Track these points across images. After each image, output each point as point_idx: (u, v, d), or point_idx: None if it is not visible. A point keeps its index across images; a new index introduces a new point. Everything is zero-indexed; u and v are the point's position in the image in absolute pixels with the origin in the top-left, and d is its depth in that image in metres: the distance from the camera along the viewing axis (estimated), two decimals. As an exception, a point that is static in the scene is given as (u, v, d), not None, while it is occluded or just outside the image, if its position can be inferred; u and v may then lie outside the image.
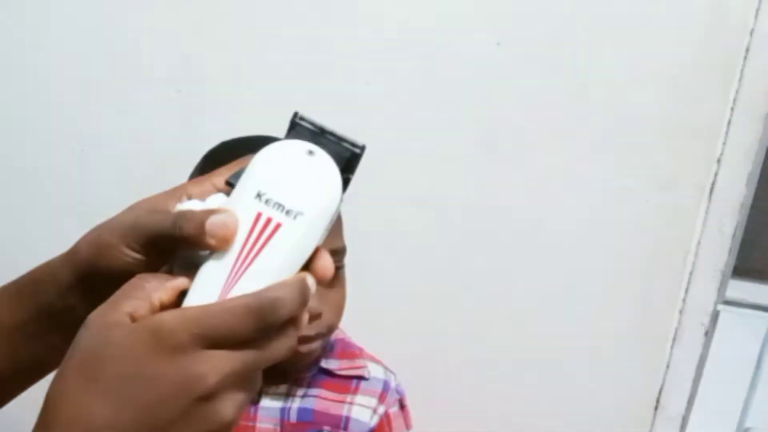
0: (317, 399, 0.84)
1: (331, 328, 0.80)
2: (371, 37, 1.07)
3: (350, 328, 0.89)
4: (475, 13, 1.03)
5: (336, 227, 0.69)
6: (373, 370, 0.88)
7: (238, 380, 0.37)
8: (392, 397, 0.88)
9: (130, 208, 0.48)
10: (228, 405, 0.36)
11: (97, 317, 0.38)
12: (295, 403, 0.84)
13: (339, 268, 0.78)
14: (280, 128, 1.17)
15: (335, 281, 0.77)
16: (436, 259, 1.14)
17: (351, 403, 0.85)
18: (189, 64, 1.15)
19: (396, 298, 1.13)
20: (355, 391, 0.86)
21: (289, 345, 0.38)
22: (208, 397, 0.36)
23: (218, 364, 0.36)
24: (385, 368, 0.90)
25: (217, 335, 0.36)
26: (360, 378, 0.86)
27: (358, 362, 0.88)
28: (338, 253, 0.76)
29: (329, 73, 1.11)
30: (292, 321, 0.38)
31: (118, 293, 0.38)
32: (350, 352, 0.89)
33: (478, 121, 1.07)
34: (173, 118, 1.18)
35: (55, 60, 1.21)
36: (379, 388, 0.87)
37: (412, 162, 1.11)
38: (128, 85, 1.19)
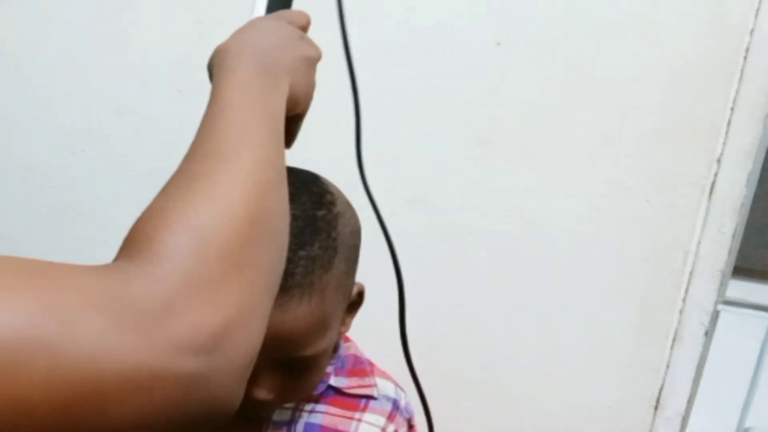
0: (324, 415, 0.83)
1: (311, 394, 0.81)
2: (371, 37, 1.08)
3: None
4: (475, 13, 1.03)
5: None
6: (383, 388, 0.87)
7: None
8: (402, 417, 0.87)
9: None
10: (312, 46, 0.68)
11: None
12: (302, 418, 0.83)
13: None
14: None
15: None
16: (435, 260, 1.14)
17: (359, 420, 0.84)
18: (189, 64, 1.15)
19: (393, 298, 1.13)
20: (363, 409, 0.85)
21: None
22: (304, 37, 0.68)
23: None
24: (396, 385, 0.89)
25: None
26: (369, 397, 0.85)
27: (368, 380, 0.87)
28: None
29: (328, 73, 1.11)
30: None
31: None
32: (361, 369, 0.87)
33: (478, 121, 1.07)
34: (174, 118, 1.18)
35: (55, 60, 1.21)
36: (388, 407, 0.86)
37: (412, 162, 1.11)
38: (128, 85, 1.19)
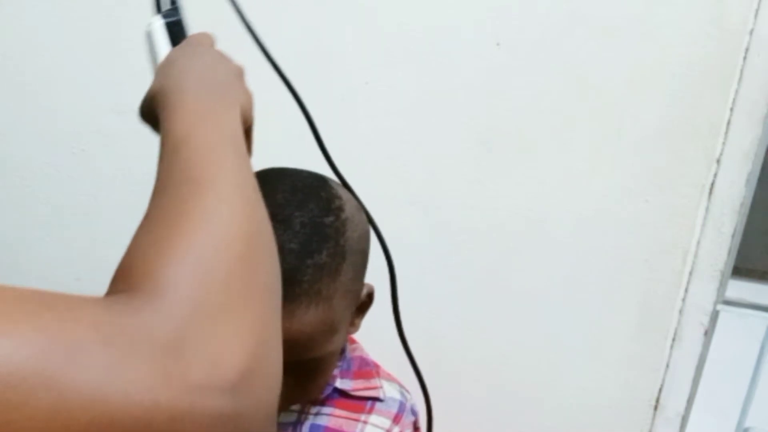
0: (330, 417, 0.83)
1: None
2: (371, 37, 1.08)
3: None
4: (475, 13, 1.03)
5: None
6: (389, 391, 0.87)
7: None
8: (407, 419, 0.87)
9: None
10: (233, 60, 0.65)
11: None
12: (308, 420, 0.83)
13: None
14: (280, 128, 1.18)
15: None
16: (435, 260, 1.14)
17: (365, 423, 0.84)
18: (189, 64, 1.15)
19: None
20: (369, 411, 0.85)
21: None
22: (224, 54, 0.66)
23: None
24: (401, 388, 0.89)
25: None
26: (375, 399, 0.85)
27: (374, 382, 0.87)
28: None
29: (329, 73, 1.11)
30: None
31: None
32: (366, 371, 0.87)
33: (478, 122, 1.07)
34: (173, 118, 1.18)
35: (55, 60, 1.21)
36: (393, 410, 0.86)
37: (412, 162, 1.11)
38: (129, 85, 1.19)
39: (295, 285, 0.65)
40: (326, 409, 0.83)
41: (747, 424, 1.38)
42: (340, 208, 0.71)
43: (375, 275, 0.79)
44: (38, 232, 1.29)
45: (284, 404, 0.74)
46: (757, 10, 0.96)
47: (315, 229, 0.68)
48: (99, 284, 1.27)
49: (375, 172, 1.11)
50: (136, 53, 1.20)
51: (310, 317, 0.66)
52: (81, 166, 1.24)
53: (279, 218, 0.65)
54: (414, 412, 0.89)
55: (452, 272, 1.14)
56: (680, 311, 1.08)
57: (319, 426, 0.82)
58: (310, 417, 0.83)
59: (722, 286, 1.07)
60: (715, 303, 1.07)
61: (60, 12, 1.18)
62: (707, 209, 1.03)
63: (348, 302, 0.73)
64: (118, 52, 1.18)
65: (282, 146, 1.15)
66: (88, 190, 1.25)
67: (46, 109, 1.23)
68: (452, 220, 1.12)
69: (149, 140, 1.24)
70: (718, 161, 1.02)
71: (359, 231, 0.73)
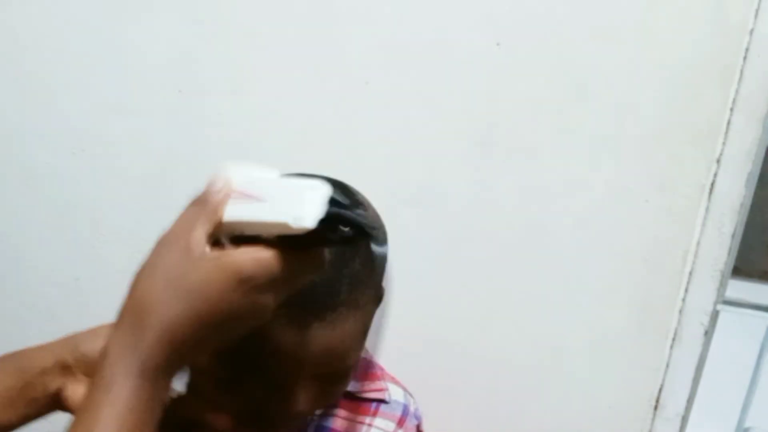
0: (336, 418, 0.84)
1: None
2: (371, 37, 1.08)
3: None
4: (475, 13, 1.03)
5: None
6: (394, 393, 0.87)
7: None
8: (411, 423, 0.87)
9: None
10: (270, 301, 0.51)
11: (180, 240, 0.50)
12: (314, 421, 0.83)
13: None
14: (281, 129, 1.18)
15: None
16: (434, 259, 1.14)
17: (370, 425, 0.84)
18: (190, 64, 1.15)
19: (392, 298, 1.13)
20: (374, 414, 0.85)
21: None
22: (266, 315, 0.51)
23: (277, 296, 0.50)
24: (405, 391, 0.89)
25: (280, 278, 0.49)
26: (380, 401, 0.85)
27: (380, 384, 0.87)
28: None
29: (329, 73, 1.11)
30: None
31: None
32: (372, 373, 0.87)
33: (478, 121, 1.07)
34: (174, 118, 1.18)
35: (55, 60, 1.21)
36: (398, 413, 0.86)
37: (412, 162, 1.11)
38: (128, 85, 1.19)
39: (335, 295, 0.65)
40: (332, 410, 0.83)
41: (747, 424, 1.38)
42: (365, 216, 0.71)
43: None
44: (38, 232, 1.29)
45: (311, 412, 0.74)
46: (757, 10, 0.95)
47: None
48: (99, 284, 1.28)
49: (374, 172, 1.11)
50: (136, 53, 1.20)
51: (349, 326, 0.67)
52: (81, 166, 1.24)
53: None
54: (417, 417, 0.89)
55: (451, 272, 1.14)
56: (680, 311, 1.08)
57: (325, 427, 0.83)
58: (316, 418, 0.83)
59: (722, 286, 1.06)
60: (715, 303, 1.07)
61: (60, 12, 1.18)
62: (707, 209, 1.03)
63: (375, 307, 0.73)
64: (119, 52, 1.18)
65: (282, 148, 1.15)
66: (88, 190, 1.25)
67: (46, 109, 1.23)
68: (452, 220, 1.12)
69: (149, 140, 1.24)
70: (718, 161, 1.02)
71: (382, 237, 0.74)
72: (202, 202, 0.51)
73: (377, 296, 0.74)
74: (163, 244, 0.51)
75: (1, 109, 1.26)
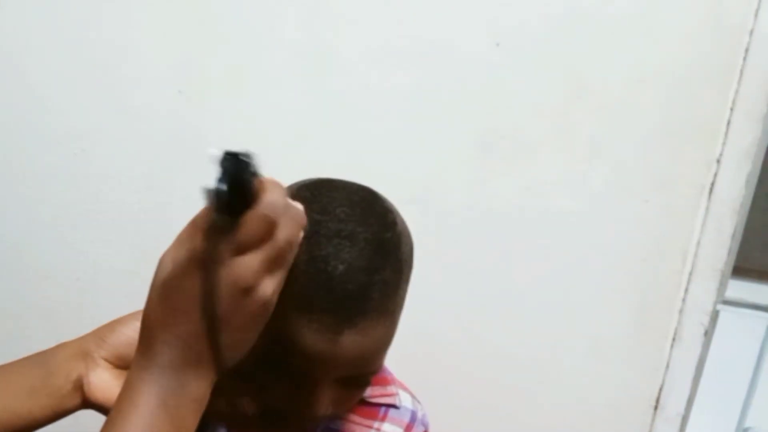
0: (344, 421, 0.84)
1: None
2: (371, 38, 1.08)
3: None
4: (475, 13, 1.03)
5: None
6: (403, 399, 0.87)
7: (267, 266, 0.49)
8: (418, 429, 0.87)
9: None
10: (267, 286, 0.49)
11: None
12: (321, 423, 0.83)
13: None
14: (281, 129, 1.17)
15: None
16: (435, 259, 1.14)
17: (378, 430, 0.84)
18: (190, 64, 1.15)
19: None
20: (383, 419, 0.85)
21: (293, 226, 0.51)
22: (249, 288, 0.48)
23: (249, 263, 0.47)
24: (413, 398, 0.89)
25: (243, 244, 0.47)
26: (390, 406, 0.85)
27: (390, 389, 0.87)
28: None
29: (329, 74, 1.11)
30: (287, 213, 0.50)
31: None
32: (382, 378, 0.87)
33: (478, 121, 1.07)
34: (174, 118, 1.18)
35: (55, 60, 1.21)
36: (406, 419, 0.86)
37: (412, 162, 1.11)
38: (129, 85, 1.19)
39: (366, 302, 0.65)
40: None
41: (747, 424, 1.38)
42: (395, 222, 0.71)
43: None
44: (38, 232, 1.30)
45: (329, 414, 0.74)
46: (757, 10, 0.96)
47: (377, 245, 0.67)
48: (99, 284, 1.28)
49: (375, 172, 1.11)
50: (136, 53, 1.20)
51: (379, 332, 0.67)
52: (81, 166, 1.24)
53: (343, 234, 0.64)
54: (425, 423, 0.89)
55: (451, 272, 1.14)
56: (680, 311, 1.08)
57: (333, 430, 0.83)
58: (325, 420, 0.83)
59: (722, 286, 1.07)
60: (715, 303, 1.07)
61: (60, 12, 1.18)
62: (707, 209, 1.03)
63: (401, 312, 0.74)
64: (119, 52, 1.18)
65: (282, 148, 1.15)
66: (88, 190, 1.25)
67: (46, 109, 1.23)
68: (452, 220, 1.12)
69: (149, 140, 1.24)
70: (718, 161, 1.02)
71: (410, 244, 0.74)
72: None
73: (404, 302, 0.74)
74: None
75: (1, 109, 1.26)
